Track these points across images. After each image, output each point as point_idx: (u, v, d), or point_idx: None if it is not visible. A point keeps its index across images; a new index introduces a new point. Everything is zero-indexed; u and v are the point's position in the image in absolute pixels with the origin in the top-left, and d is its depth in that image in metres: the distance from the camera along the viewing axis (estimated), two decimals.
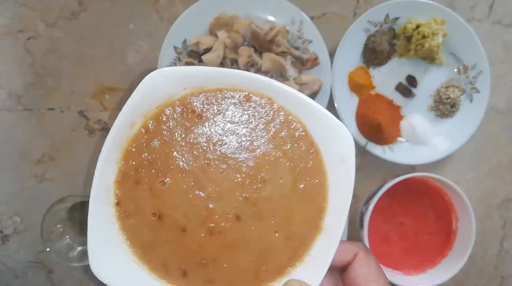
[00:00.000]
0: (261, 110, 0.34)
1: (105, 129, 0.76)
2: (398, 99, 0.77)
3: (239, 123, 0.34)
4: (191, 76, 0.32)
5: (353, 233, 0.77)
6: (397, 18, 0.74)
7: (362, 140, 0.74)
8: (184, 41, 0.71)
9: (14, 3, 0.74)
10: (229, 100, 0.33)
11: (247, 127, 0.34)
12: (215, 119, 0.33)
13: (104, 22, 0.75)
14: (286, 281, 0.31)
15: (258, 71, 0.70)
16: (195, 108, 0.33)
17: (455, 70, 0.76)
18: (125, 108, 0.32)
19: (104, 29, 0.75)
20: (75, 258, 0.72)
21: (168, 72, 0.32)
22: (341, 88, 0.74)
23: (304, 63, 0.72)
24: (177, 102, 0.33)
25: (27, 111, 0.75)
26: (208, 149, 0.33)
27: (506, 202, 0.81)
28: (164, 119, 0.33)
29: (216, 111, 0.33)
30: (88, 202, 0.73)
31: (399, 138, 0.76)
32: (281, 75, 0.72)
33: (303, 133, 0.33)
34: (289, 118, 0.33)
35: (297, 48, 0.73)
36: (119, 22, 0.75)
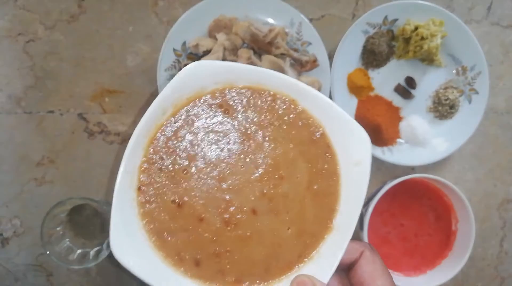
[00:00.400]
0: (285, 111, 0.35)
1: (105, 132, 0.76)
2: (397, 100, 0.77)
3: (263, 121, 0.35)
4: (224, 72, 0.34)
5: (353, 235, 0.76)
6: (395, 20, 0.74)
7: None
8: (184, 44, 0.72)
9: (13, 6, 0.74)
10: (256, 98, 0.35)
11: (270, 126, 0.35)
12: (240, 115, 0.35)
13: (103, 25, 0.75)
14: (297, 276, 0.32)
15: None
16: (223, 103, 0.35)
17: (454, 71, 0.76)
18: (158, 97, 0.33)
19: (103, 32, 0.75)
20: (75, 261, 0.72)
21: (204, 65, 0.33)
22: (340, 89, 0.74)
23: (303, 65, 0.72)
24: (207, 95, 0.34)
25: (26, 114, 0.75)
26: (231, 143, 0.34)
27: (506, 202, 0.81)
28: (193, 110, 0.34)
29: (242, 107, 0.35)
30: (88, 204, 0.73)
31: (399, 140, 0.76)
32: None
33: (322, 135, 0.35)
34: (310, 121, 0.35)
35: (296, 50, 0.73)
36: (119, 25, 0.75)
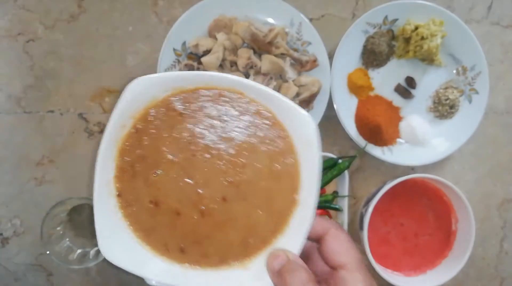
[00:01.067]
0: (234, 103, 0.38)
1: None
2: (397, 100, 0.77)
3: (217, 116, 0.38)
4: (169, 80, 0.37)
5: (353, 234, 0.77)
6: (395, 20, 0.74)
7: (362, 142, 0.74)
8: (184, 43, 0.72)
9: (13, 5, 0.74)
10: (205, 97, 0.38)
11: (224, 119, 0.38)
12: (195, 115, 0.38)
13: (103, 25, 0.75)
14: (272, 251, 0.35)
15: (258, 73, 0.70)
16: (176, 107, 0.38)
17: (454, 71, 0.76)
18: (114, 112, 0.36)
19: (103, 32, 0.75)
20: (75, 261, 0.72)
21: (146, 80, 0.36)
22: (340, 89, 0.74)
23: (303, 65, 0.72)
24: (159, 103, 0.37)
25: (26, 113, 0.75)
26: (192, 142, 0.37)
27: (506, 202, 0.81)
28: (150, 119, 0.37)
29: (195, 108, 0.38)
30: (88, 204, 0.73)
31: (399, 139, 0.76)
32: (280, 77, 0.72)
33: (274, 121, 0.37)
34: (260, 108, 0.38)
35: (296, 50, 0.73)
36: (118, 25, 0.75)
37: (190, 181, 0.37)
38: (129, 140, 0.37)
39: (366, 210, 0.72)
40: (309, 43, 0.73)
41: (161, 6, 0.75)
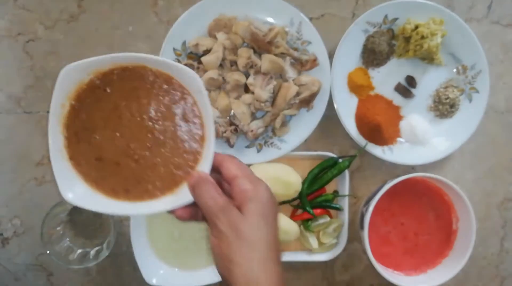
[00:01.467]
0: (144, 74, 0.49)
1: None
2: (397, 99, 0.77)
3: (132, 86, 0.49)
4: (88, 65, 0.48)
5: (353, 234, 0.77)
6: (396, 19, 0.74)
7: (362, 141, 0.74)
8: (184, 43, 0.72)
9: (13, 6, 0.74)
10: (120, 74, 0.49)
11: (138, 87, 0.49)
12: (115, 89, 0.49)
13: (103, 25, 0.75)
14: (191, 175, 0.46)
15: (258, 72, 0.70)
16: (99, 85, 0.49)
17: (454, 70, 0.76)
18: (53, 95, 0.47)
19: (103, 32, 0.75)
20: (75, 261, 0.72)
21: (71, 67, 0.47)
22: (341, 89, 0.74)
23: (303, 65, 0.72)
24: (86, 84, 0.49)
25: (26, 113, 0.75)
26: (116, 108, 0.49)
27: (506, 201, 0.81)
28: (82, 97, 0.49)
29: (114, 84, 0.49)
30: None
31: (399, 139, 0.76)
32: (280, 76, 0.72)
33: (175, 81, 0.48)
34: (162, 74, 0.49)
35: (296, 49, 0.73)
36: (118, 24, 0.75)
37: (121, 138, 0.49)
38: (69, 116, 0.49)
39: (366, 210, 0.72)
40: (309, 43, 0.72)
41: (161, 6, 0.75)
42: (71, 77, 0.49)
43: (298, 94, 0.71)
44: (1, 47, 0.75)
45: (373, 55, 0.75)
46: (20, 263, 0.77)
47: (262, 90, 0.69)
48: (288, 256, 0.75)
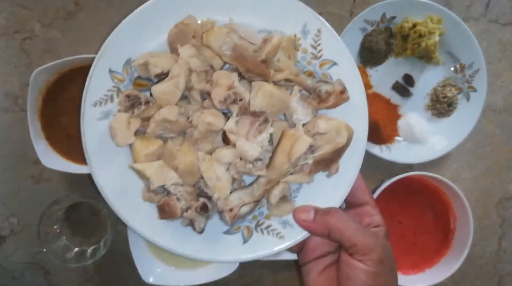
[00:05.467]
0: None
1: None
2: (395, 98, 0.77)
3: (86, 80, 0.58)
4: (52, 68, 0.65)
5: None
6: (393, 17, 0.74)
7: None
8: (127, 62, 0.47)
9: (10, 3, 0.74)
10: (77, 72, 0.68)
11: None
12: (74, 83, 0.68)
13: (100, 22, 0.75)
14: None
15: (245, 110, 0.45)
16: (63, 82, 0.69)
17: (452, 69, 0.76)
18: (28, 92, 0.65)
19: (100, 29, 0.75)
20: (72, 259, 0.72)
21: (39, 70, 0.63)
22: None
23: (323, 99, 0.46)
24: (52, 82, 0.68)
25: (23, 111, 0.75)
26: (76, 97, 0.59)
27: (504, 200, 0.81)
28: (51, 92, 0.69)
29: (72, 80, 0.68)
30: (85, 203, 0.73)
31: (397, 137, 0.76)
32: (284, 118, 0.48)
33: None
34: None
35: (311, 74, 0.49)
36: (115, 22, 0.74)
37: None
38: (42, 107, 0.68)
39: None
40: (334, 63, 0.48)
41: None
42: (40, 76, 0.65)
43: (312, 149, 0.45)
44: None
45: (371, 54, 0.75)
46: (17, 261, 0.77)
47: (250, 141, 0.44)
48: (287, 255, 0.75)
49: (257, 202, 0.45)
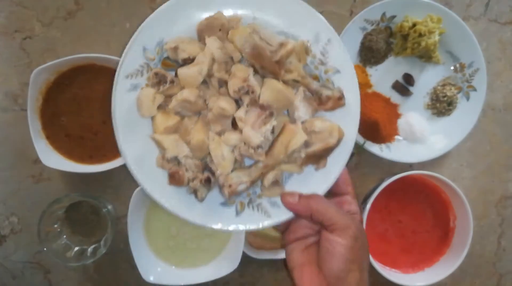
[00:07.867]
0: (92, 68, 0.70)
1: None
2: (395, 97, 0.77)
3: (85, 79, 0.70)
4: (52, 67, 0.67)
5: None
6: (393, 17, 0.74)
7: (360, 139, 0.74)
8: (160, 43, 0.52)
9: (10, 2, 0.73)
10: (76, 72, 0.70)
11: (90, 79, 0.70)
12: (73, 83, 0.70)
13: (100, 22, 0.75)
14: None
15: (254, 103, 0.50)
16: (63, 81, 0.70)
17: (452, 68, 0.76)
18: (28, 92, 0.66)
19: (100, 29, 0.75)
20: (73, 258, 0.72)
21: (39, 69, 0.65)
22: None
23: (323, 102, 0.51)
24: (52, 81, 0.70)
25: (23, 111, 0.75)
26: (75, 96, 0.71)
27: (504, 199, 0.81)
28: (50, 92, 0.70)
29: (72, 79, 0.70)
30: (85, 201, 0.73)
31: (397, 136, 0.76)
32: (287, 114, 0.54)
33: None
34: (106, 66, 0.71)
35: (316, 78, 0.53)
36: (116, 21, 0.75)
37: (84, 119, 0.71)
38: (43, 106, 0.70)
39: (364, 207, 0.72)
40: (337, 71, 0.52)
41: (158, 2, 0.75)
42: (40, 76, 0.67)
43: (306, 144, 0.51)
44: None
45: (370, 53, 0.75)
46: (17, 260, 0.77)
47: (255, 130, 0.49)
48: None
49: (252, 182, 0.51)
